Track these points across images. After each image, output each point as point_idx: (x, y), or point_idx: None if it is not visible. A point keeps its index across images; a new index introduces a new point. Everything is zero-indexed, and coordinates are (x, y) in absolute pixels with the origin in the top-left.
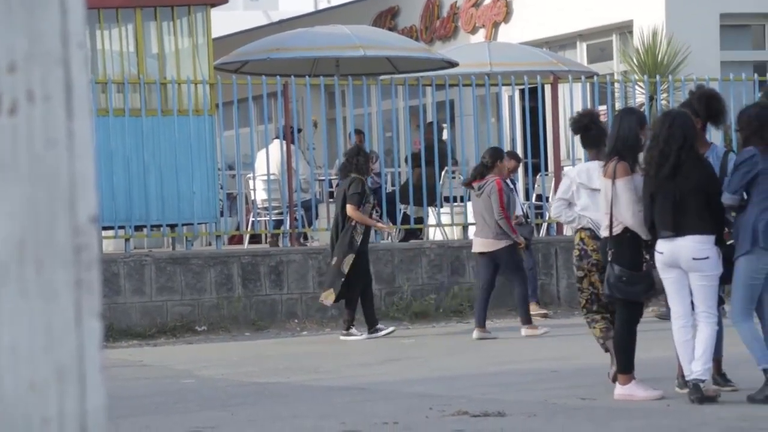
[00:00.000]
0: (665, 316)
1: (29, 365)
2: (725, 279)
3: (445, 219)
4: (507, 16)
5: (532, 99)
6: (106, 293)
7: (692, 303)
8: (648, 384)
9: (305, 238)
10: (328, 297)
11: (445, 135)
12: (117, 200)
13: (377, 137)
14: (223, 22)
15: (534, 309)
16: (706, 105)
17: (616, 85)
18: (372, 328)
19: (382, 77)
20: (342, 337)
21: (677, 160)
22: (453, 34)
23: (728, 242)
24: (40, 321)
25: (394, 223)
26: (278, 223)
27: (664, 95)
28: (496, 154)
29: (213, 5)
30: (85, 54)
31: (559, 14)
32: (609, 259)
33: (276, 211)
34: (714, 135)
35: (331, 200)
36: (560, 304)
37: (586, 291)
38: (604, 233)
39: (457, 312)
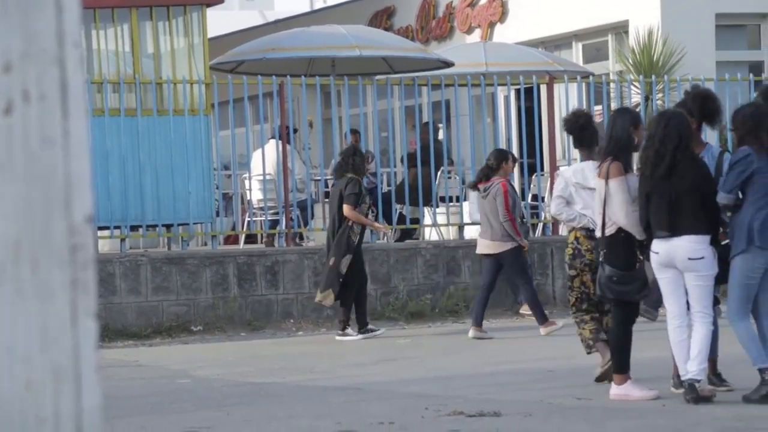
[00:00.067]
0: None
1: (25, 365)
2: (720, 279)
3: (441, 219)
4: (503, 16)
5: (528, 99)
6: (102, 293)
7: (688, 303)
8: (644, 384)
9: (301, 238)
10: (327, 298)
11: (440, 135)
12: (113, 200)
13: (373, 137)
14: (218, 21)
15: (529, 309)
16: (701, 105)
17: (612, 85)
18: (363, 328)
19: (377, 77)
20: (338, 338)
21: (673, 160)
22: (449, 34)
23: (723, 242)
24: (36, 321)
25: (390, 223)
26: (274, 223)
27: (660, 95)
28: (501, 155)
29: (209, 5)
30: (80, 54)
31: (554, 14)
32: (600, 259)
33: (272, 211)
34: (709, 135)
35: (326, 200)
36: (556, 304)
37: (577, 290)
38: (598, 233)
39: (452, 312)
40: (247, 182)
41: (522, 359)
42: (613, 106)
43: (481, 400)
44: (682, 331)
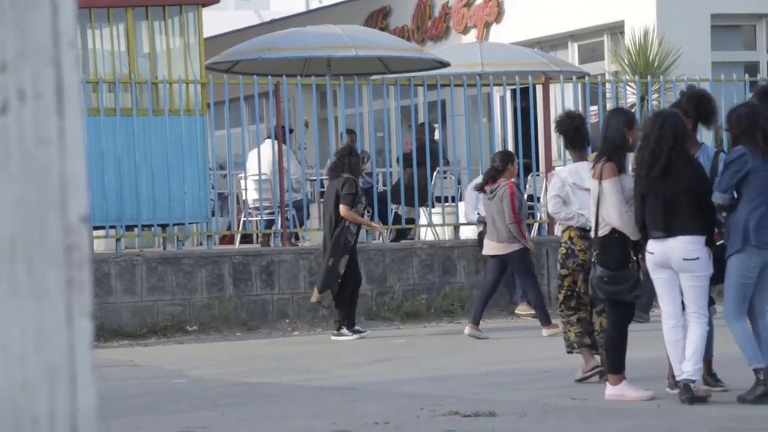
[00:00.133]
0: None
1: (20, 364)
2: (716, 279)
3: (437, 219)
4: (498, 17)
5: (524, 99)
6: (97, 293)
7: (683, 303)
8: (639, 384)
9: (296, 238)
10: (326, 299)
11: (436, 135)
12: (108, 200)
13: (369, 137)
14: (214, 21)
15: (524, 309)
16: (696, 105)
17: (608, 85)
18: (351, 328)
19: (373, 77)
20: (333, 338)
21: (668, 160)
22: (444, 34)
23: (718, 243)
24: (31, 320)
25: (386, 223)
26: (269, 223)
27: (655, 96)
28: (506, 157)
29: (204, 5)
30: (76, 53)
31: (550, 14)
32: (593, 259)
33: (267, 211)
34: (705, 135)
35: (322, 200)
36: (551, 305)
37: (566, 289)
38: (593, 234)
39: (448, 312)
40: (242, 182)
41: (517, 359)
42: (609, 106)
43: (477, 400)
44: (677, 331)
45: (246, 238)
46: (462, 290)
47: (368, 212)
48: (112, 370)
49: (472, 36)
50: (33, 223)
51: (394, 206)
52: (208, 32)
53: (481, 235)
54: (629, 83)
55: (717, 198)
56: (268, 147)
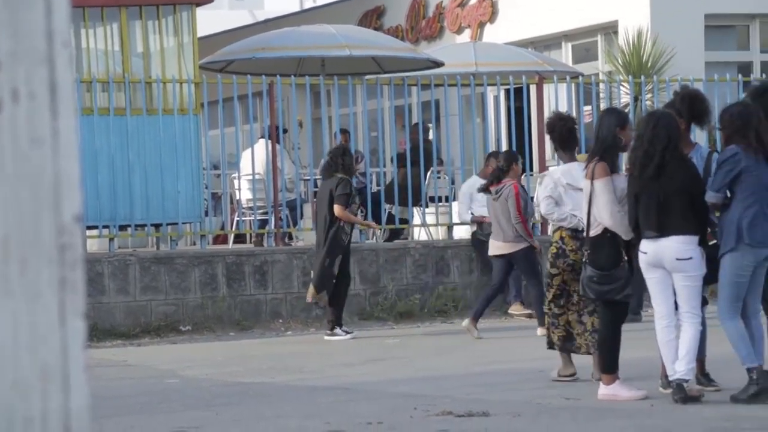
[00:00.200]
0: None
1: (13, 364)
2: (709, 279)
3: (430, 219)
4: (492, 17)
5: (518, 99)
6: (90, 293)
7: (676, 303)
8: (632, 384)
9: (290, 237)
10: (322, 299)
11: (430, 135)
12: (101, 199)
13: (362, 137)
14: (208, 21)
15: (518, 309)
16: (690, 105)
17: (601, 85)
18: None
19: (367, 77)
20: (326, 337)
21: (661, 160)
22: (438, 34)
23: (711, 243)
24: (24, 320)
25: (379, 223)
26: (263, 223)
27: (649, 96)
28: (510, 157)
29: (198, 4)
30: (70, 53)
31: (544, 15)
32: (584, 259)
33: (261, 211)
34: (698, 135)
35: (315, 200)
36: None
37: (555, 287)
38: (585, 233)
39: (441, 312)
40: (236, 182)
41: (511, 359)
42: (603, 106)
43: (470, 400)
44: (670, 331)
45: (239, 238)
46: (455, 290)
47: (362, 212)
48: (105, 370)
49: (466, 36)
50: (26, 222)
51: (388, 206)
52: (201, 32)
53: (474, 235)
54: (623, 83)
55: (710, 197)
56: (261, 147)
